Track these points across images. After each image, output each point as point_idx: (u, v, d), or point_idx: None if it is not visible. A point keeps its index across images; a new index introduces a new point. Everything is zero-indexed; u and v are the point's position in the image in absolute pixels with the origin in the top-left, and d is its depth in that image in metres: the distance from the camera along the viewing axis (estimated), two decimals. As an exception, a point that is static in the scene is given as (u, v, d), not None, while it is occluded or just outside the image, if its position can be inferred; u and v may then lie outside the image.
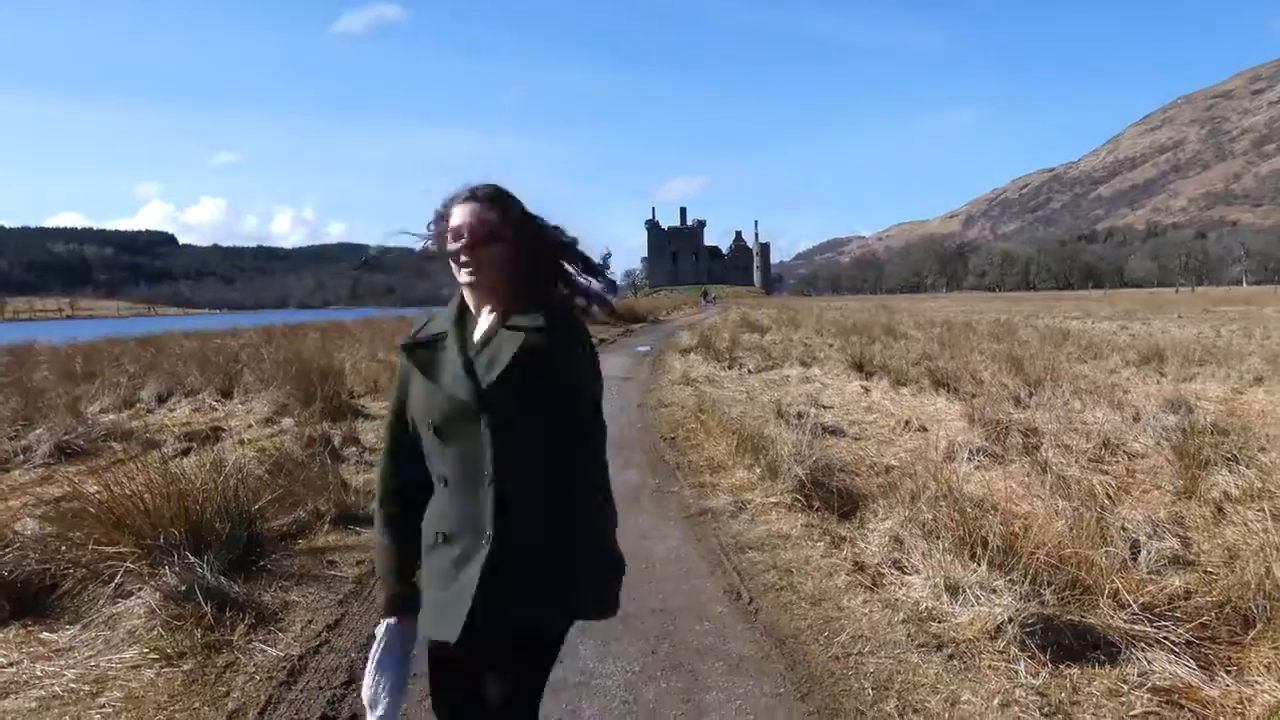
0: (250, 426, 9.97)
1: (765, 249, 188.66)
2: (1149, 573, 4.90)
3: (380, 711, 1.96)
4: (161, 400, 12.54)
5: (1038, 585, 4.11)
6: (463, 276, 1.96)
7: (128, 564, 4.17)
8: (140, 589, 4.02)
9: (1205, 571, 4.86)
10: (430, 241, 2.10)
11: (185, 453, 8.22)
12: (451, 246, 1.96)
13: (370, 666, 1.99)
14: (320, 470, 6.43)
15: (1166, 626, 3.87)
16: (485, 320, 1.99)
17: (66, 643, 3.86)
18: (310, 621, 4.06)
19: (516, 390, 1.86)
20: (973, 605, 4.05)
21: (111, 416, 11.24)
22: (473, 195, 1.98)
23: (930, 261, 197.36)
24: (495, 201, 1.97)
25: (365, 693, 1.99)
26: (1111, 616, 3.94)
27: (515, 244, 1.95)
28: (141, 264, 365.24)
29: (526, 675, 1.93)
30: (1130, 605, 3.98)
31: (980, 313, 42.49)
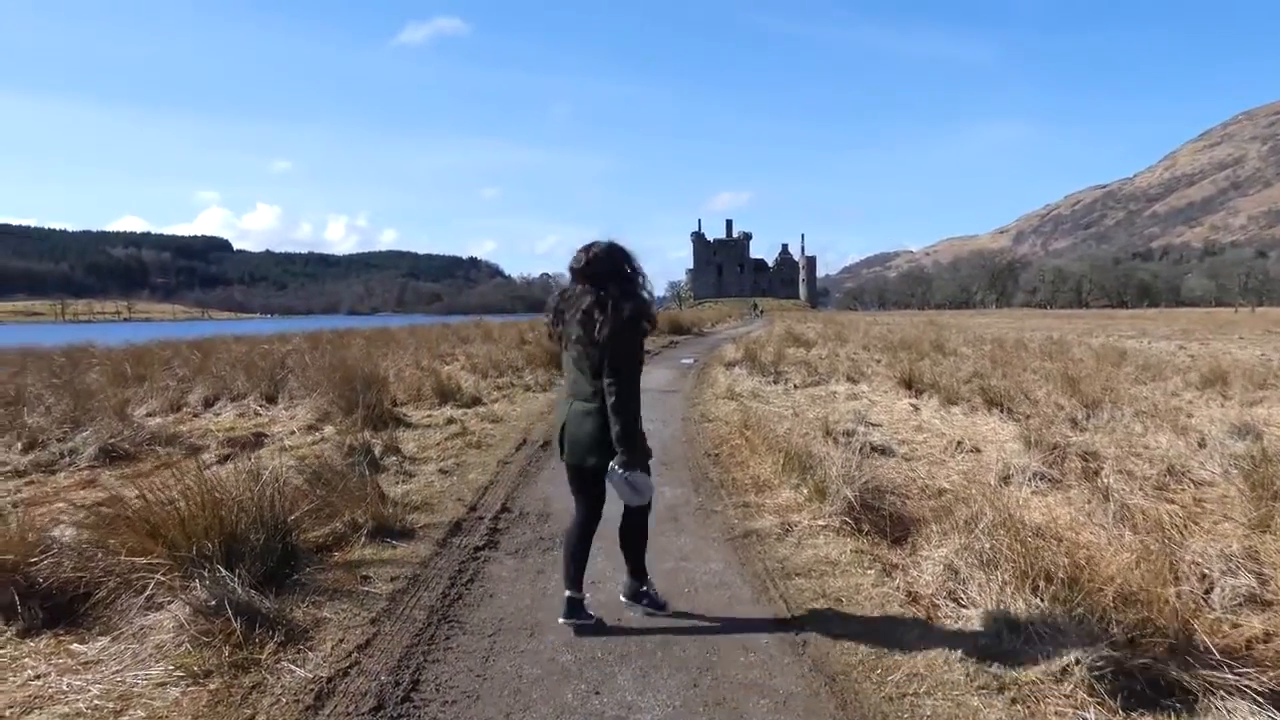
0: (293, 433, 9.97)
1: (811, 262, 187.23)
2: (1223, 611, 4.62)
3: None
4: (208, 404, 12.65)
5: (1106, 624, 3.86)
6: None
7: (159, 576, 4.08)
8: (170, 602, 3.93)
9: (1286, 611, 4.56)
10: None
11: (227, 459, 8.22)
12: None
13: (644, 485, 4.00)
14: (359, 481, 6.33)
15: (1248, 674, 3.59)
16: None
17: (95, 655, 3.78)
18: (341, 640, 3.93)
19: None
20: (1035, 644, 3.80)
21: (158, 420, 11.34)
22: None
23: (980, 277, 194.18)
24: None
25: (636, 498, 4.05)
26: (1187, 661, 3.68)
27: None
28: (197, 268, 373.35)
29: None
30: (1208, 649, 3.72)
31: (1032, 330, 41.60)
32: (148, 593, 4.06)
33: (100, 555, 4.41)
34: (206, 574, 4.04)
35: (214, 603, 3.84)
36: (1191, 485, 7.41)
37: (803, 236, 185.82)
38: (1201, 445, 8.73)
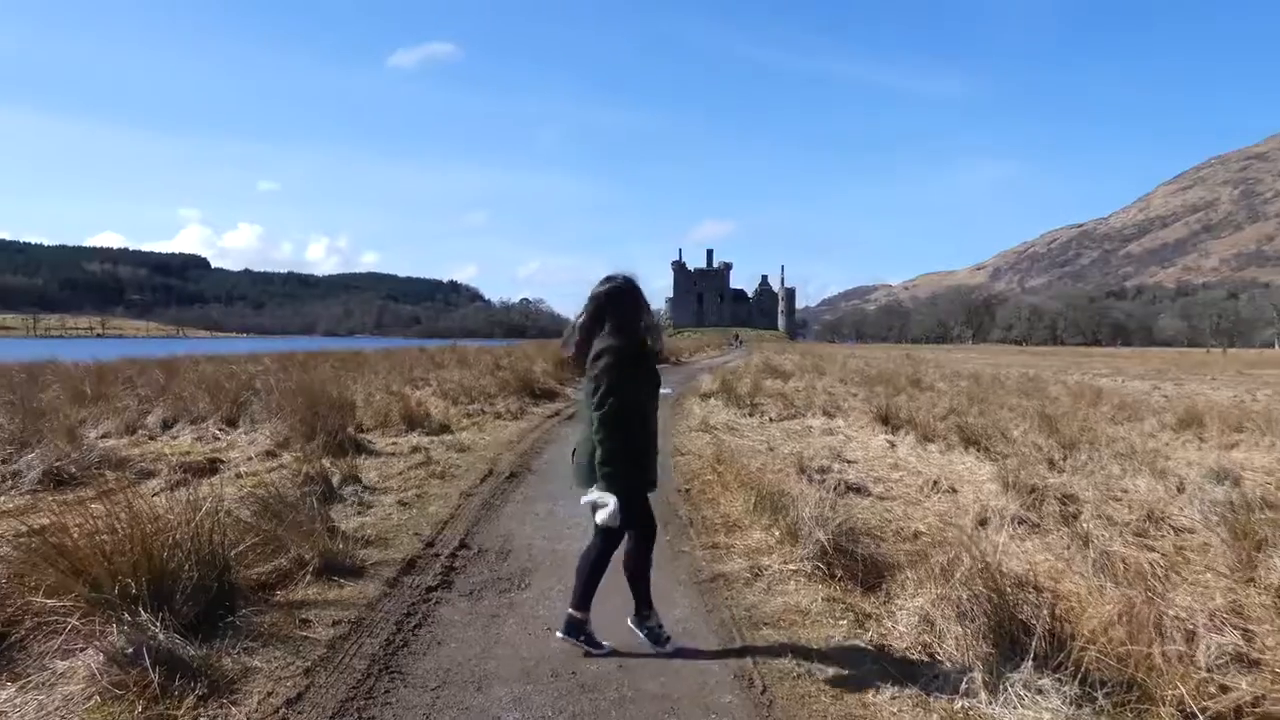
0: (250, 459, 9.63)
1: (791, 294, 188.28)
2: (1209, 670, 4.40)
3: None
4: (166, 426, 12.25)
5: (1089, 686, 3.63)
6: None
7: (74, 620, 3.77)
8: (85, 649, 3.62)
9: (1274, 672, 4.35)
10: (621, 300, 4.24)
11: (178, 485, 7.87)
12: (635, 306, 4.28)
13: (611, 513, 4.00)
14: (309, 513, 6.03)
15: (1241, 746, 3.38)
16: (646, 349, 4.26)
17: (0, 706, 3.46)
18: (269, 694, 3.62)
19: (658, 391, 4.38)
20: (1016, 708, 3.57)
21: (111, 442, 10.95)
22: (630, 279, 4.32)
23: (957, 312, 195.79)
24: (636, 283, 4.35)
25: (606, 517, 4.05)
26: (1176, 728, 3.45)
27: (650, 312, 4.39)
28: (174, 286, 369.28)
29: None
30: (1198, 716, 3.50)
31: (1007, 366, 41.78)
32: (63, 638, 3.74)
33: (19, 593, 4.09)
34: (127, 617, 3.73)
35: (131, 650, 3.52)
36: (1172, 532, 7.23)
37: (782, 268, 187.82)
38: (1180, 490, 8.58)
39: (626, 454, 4.06)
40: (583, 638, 4.27)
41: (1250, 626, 4.96)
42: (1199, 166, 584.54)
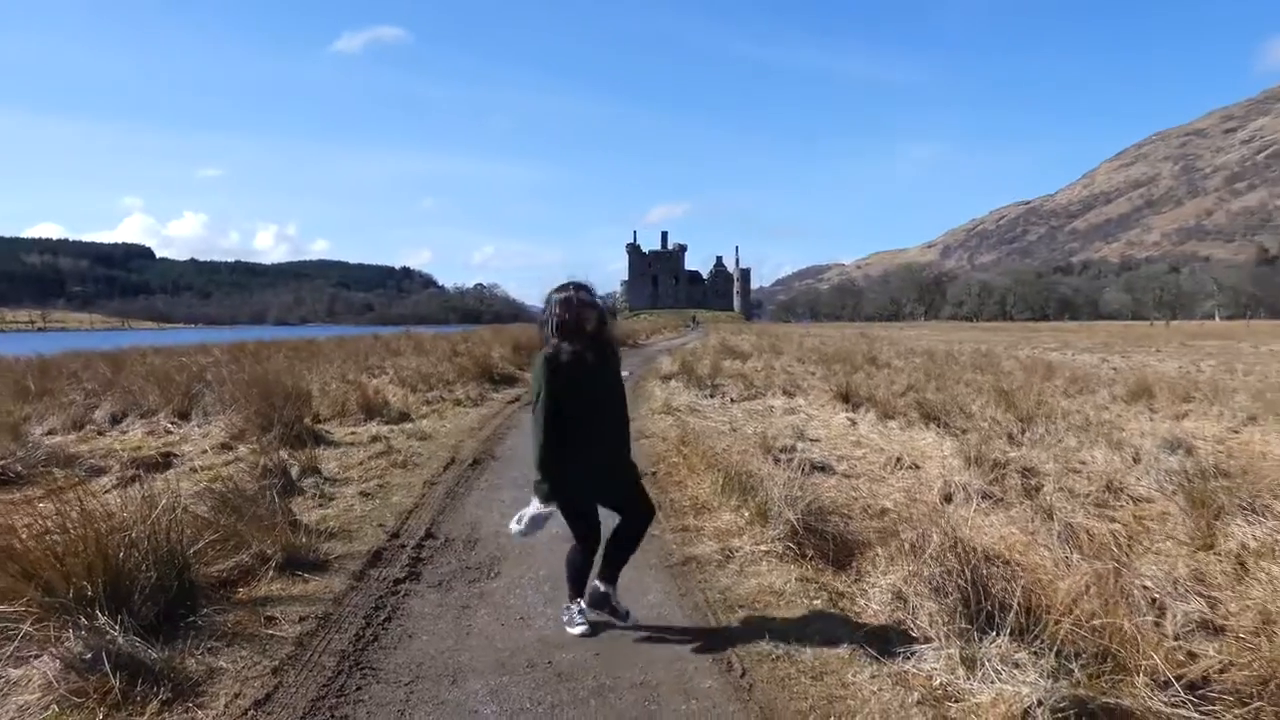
0: (204, 453, 9.38)
1: (746, 275, 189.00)
2: (1176, 638, 4.47)
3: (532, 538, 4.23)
4: (115, 421, 11.92)
5: (1065, 659, 3.65)
6: (589, 327, 4.15)
7: (26, 626, 3.61)
8: (40, 656, 3.47)
9: (1238, 638, 4.43)
10: (557, 308, 4.18)
11: (131, 481, 7.64)
12: (571, 313, 4.15)
13: (526, 523, 4.10)
14: (270, 506, 5.87)
15: (1215, 711, 3.43)
16: (598, 348, 4.20)
17: (-51, 719, 3.31)
18: (237, 696, 3.51)
19: (618, 385, 4.39)
20: (994, 682, 3.57)
21: (58, 438, 10.61)
22: (581, 286, 4.23)
23: (909, 290, 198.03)
24: (589, 291, 4.24)
25: (517, 527, 4.13)
26: (1151, 698, 3.49)
27: (600, 312, 4.23)
28: (117, 277, 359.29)
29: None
30: (1172, 684, 3.54)
31: (960, 342, 42.37)
32: (15, 645, 3.58)
33: (-34, 599, 3.91)
34: (84, 621, 3.58)
35: (90, 655, 3.39)
36: (1130, 502, 7.35)
37: (737, 249, 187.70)
38: (1136, 460, 8.73)
39: (551, 461, 4.08)
40: (607, 610, 4.48)
41: (1213, 594, 5.05)
42: (1141, 143, 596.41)
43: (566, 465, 4.10)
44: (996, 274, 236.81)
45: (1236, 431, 11.15)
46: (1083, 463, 8.74)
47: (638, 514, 4.41)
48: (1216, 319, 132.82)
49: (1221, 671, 4.06)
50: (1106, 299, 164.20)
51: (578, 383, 4.11)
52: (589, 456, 4.15)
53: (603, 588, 4.47)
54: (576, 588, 4.48)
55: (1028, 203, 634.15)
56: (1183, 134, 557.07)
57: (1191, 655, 4.22)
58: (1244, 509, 6.33)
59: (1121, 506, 7.23)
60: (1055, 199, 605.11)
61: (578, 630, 4.34)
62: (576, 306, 4.18)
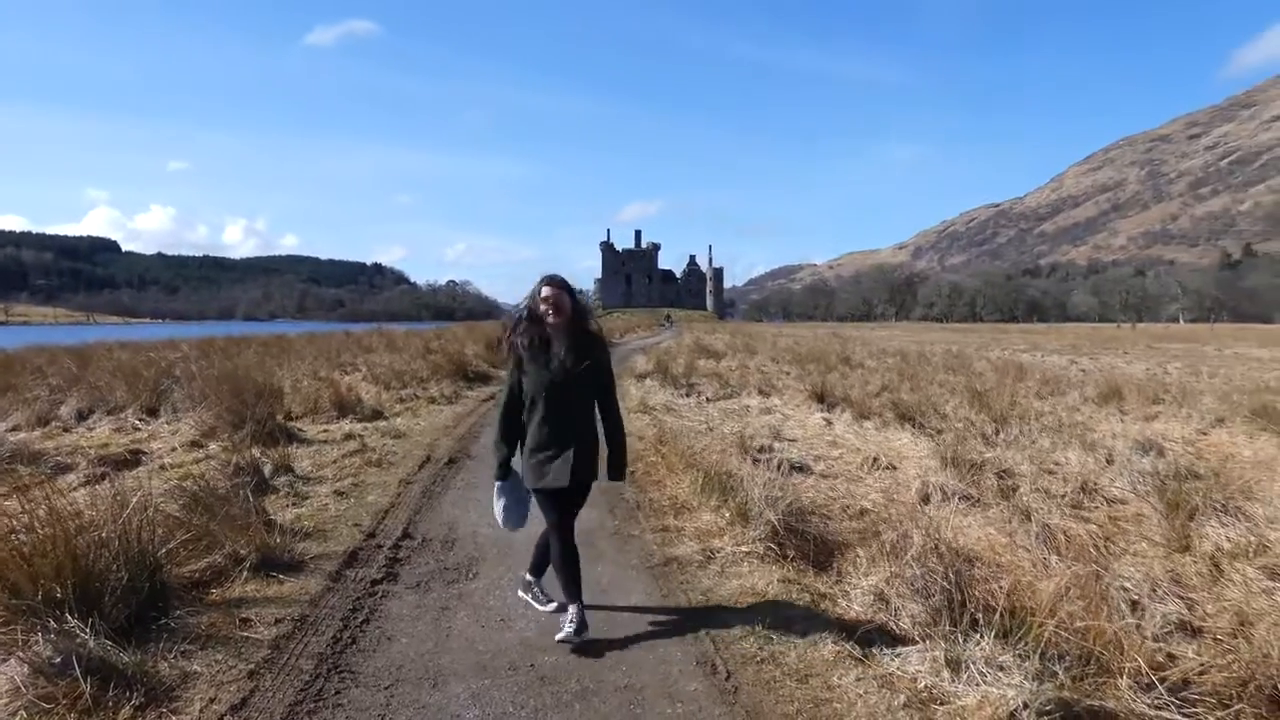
0: (174, 450, 9.22)
1: (719, 274, 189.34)
2: (1155, 640, 4.50)
3: (517, 526, 4.52)
4: (82, 418, 11.68)
5: (1049, 661, 3.66)
6: (550, 318, 4.20)
7: (-8, 630, 3.50)
8: (6, 660, 3.36)
9: (1216, 639, 4.47)
10: (530, 300, 4.27)
11: (99, 479, 7.49)
12: (544, 305, 4.21)
13: (500, 506, 4.46)
14: (243, 505, 5.76)
15: (1197, 713, 3.44)
16: (561, 338, 4.19)
17: (-88, 725, 3.20)
18: (212, 700, 3.42)
19: (586, 373, 4.21)
20: (979, 685, 3.57)
21: (23, 435, 10.38)
22: (554, 279, 4.28)
23: (880, 291, 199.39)
24: (563, 283, 4.28)
25: (500, 516, 4.48)
26: (1135, 700, 3.50)
27: (572, 304, 4.27)
28: (82, 270, 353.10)
29: (582, 497, 4.37)
30: (1155, 686, 3.55)
31: (931, 343, 42.67)
32: (-19, 648, 3.47)
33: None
34: (52, 624, 3.48)
35: (59, 659, 3.29)
36: (1105, 503, 7.41)
37: (710, 248, 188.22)
38: (1110, 462, 8.82)
39: (499, 439, 4.33)
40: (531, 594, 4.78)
41: (1190, 595, 5.09)
42: (1108, 148, 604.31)
43: (518, 449, 4.30)
44: (967, 275, 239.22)
45: (1205, 433, 11.30)
46: (1057, 464, 8.81)
47: (556, 525, 4.31)
48: (1181, 322, 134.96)
49: (1201, 673, 4.08)
50: (1074, 301, 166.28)
51: (532, 374, 4.21)
52: (544, 445, 4.19)
53: (528, 577, 4.79)
54: (537, 570, 4.75)
55: (997, 205, 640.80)
56: (1149, 139, 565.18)
57: (1171, 657, 4.24)
58: (1217, 510, 6.40)
59: (1097, 508, 7.29)
60: (1024, 202, 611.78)
61: (549, 607, 4.60)
62: (541, 298, 4.27)
